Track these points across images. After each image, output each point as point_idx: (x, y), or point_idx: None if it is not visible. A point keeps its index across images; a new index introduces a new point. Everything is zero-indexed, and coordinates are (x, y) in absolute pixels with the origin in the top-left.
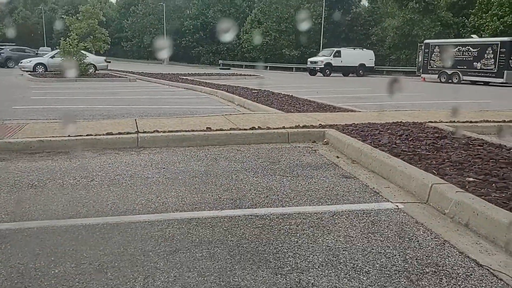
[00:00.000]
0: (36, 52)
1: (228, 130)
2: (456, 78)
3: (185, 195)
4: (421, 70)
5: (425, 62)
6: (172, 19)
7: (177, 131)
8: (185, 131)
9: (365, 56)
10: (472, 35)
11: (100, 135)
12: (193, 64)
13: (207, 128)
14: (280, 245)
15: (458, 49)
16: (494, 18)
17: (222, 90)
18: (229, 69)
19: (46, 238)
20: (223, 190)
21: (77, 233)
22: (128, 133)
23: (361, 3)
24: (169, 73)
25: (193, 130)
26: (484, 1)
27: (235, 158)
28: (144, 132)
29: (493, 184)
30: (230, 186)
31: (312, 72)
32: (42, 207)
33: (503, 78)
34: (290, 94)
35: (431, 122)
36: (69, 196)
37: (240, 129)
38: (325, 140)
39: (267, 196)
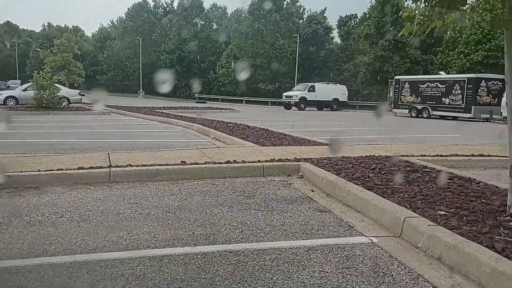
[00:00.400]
0: (7, 85)
1: (203, 163)
2: (426, 113)
3: (157, 231)
4: (392, 105)
5: (396, 97)
6: (149, 53)
7: (150, 165)
8: (159, 165)
9: (338, 91)
10: (440, 72)
11: (71, 169)
12: (169, 97)
13: (181, 162)
14: (255, 282)
15: (427, 85)
16: (461, 55)
17: (197, 123)
18: (205, 102)
19: (8, 280)
20: (197, 225)
21: (43, 272)
22: (100, 167)
23: (334, 40)
24: (144, 107)
25: (167, 164)
26: (451, 39)
27: (209, 192)
28: (117, 166)
29: (464, 218)
30: (204, 221)
31: (287, 106)
32: (6, 246)
33: (471, 113)
34: (266, 128)
35: (403, 155)
36: (36, 233)
37: (215, 163)
38: (300, 173)
39: (241, 231)
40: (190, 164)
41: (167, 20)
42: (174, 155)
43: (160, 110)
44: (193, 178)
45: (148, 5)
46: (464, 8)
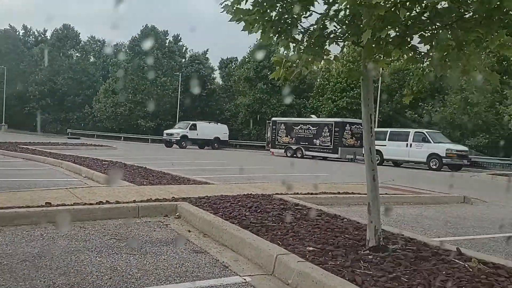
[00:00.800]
0: None
1: (71, 205)
2: (300, 153)
3: (9, 283)
4: (270, 145)
5: (273, 137)
6: (14, 83)
7: (8, 207)
8: (18, 208)
9: (219, 130)
10: (311, 115)
11: None
12: (37, 132)
13: (46, 203)
14: None
15: (300, 127)
16: (329, 101)
17: (68, 161)
18: (78, 138)
19: None
20: (58, 274)
21: None
22: None
23: (216, 80)
24: (5, 142)
25: (28, 206)
26: (320, 86)
27: (77, 236)
28: None
29: (330, 253)
30: (68, 269)
31: (168, 144)
32: None
33: (338, 154)
34: (144, 166)
35: (278, 194)
36: None
37: (85, 204)
38: (178, 213)
39: (110, 278)
40: (56, 206)
41: (38, 49)
42: (38, 196)
43: (25, 146)
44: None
45: (17, 33)
46: (328, 57)
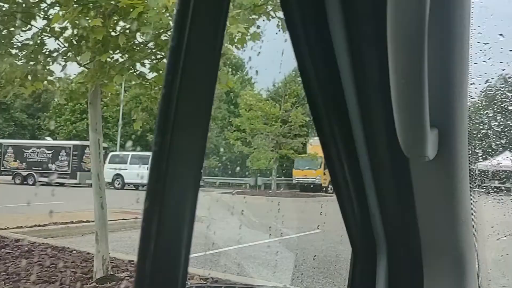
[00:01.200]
0: None
1: None
2: (32, 180)
3: None
4: None
5: None
6: None
7: None
8: None
9: None
10: (46, 138)
11: None
12: None
13: None
14: None
15: (33, 150)
16: (68, 122)
17: None
18: None
19: None
20: None
21: None
22: None
23: None
24: None
25: None
26: (58, 106)
27: None
28: None
29: None
30: None
31: None
32: None
33: (76, 179)
34: None
35: None
36: None
37: None
38: None
39: None
40: None
41: None
42: None
43: None
44: None
45: None
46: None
